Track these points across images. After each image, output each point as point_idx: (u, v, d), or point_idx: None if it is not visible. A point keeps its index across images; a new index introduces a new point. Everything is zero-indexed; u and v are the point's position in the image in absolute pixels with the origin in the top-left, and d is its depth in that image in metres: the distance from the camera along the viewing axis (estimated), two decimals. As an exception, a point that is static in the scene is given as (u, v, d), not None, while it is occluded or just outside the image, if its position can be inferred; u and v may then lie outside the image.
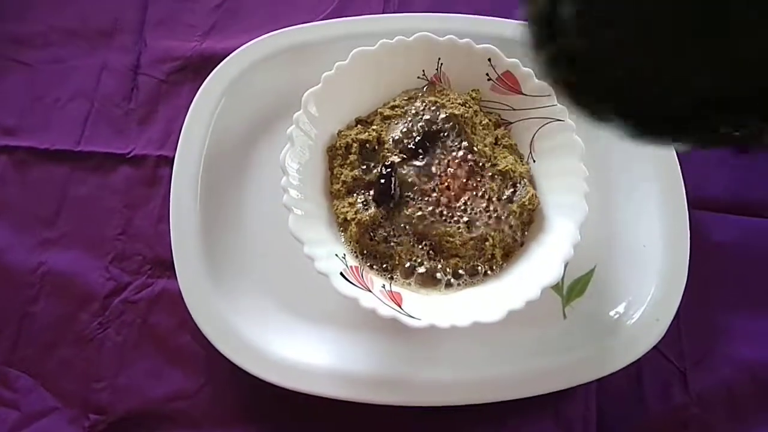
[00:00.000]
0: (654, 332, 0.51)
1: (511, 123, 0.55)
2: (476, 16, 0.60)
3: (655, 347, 0.51)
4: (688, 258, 0.53)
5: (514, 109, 0.54)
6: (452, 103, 0.53)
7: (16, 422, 0.51)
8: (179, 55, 0.63)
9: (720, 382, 0.54)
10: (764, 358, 0.54)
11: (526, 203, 0.50)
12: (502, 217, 0.50)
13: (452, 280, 0.49)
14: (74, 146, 0.60)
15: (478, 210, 0.50)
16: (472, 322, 0.44)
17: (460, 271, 0.49)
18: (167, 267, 0.55)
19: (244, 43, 0.58)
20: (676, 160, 0.56)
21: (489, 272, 0.49)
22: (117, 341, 0.54)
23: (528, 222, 0.51)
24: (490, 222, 0.49)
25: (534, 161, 0.53)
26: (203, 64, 0.61)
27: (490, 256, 0.49)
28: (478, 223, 0.49)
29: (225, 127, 0.56)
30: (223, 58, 0.57)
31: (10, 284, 0.55)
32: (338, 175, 0.51)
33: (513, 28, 0.59)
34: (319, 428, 0.52)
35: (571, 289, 0.54)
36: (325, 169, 0.52)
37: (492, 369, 0.50)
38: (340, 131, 0.53)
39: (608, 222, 0.56)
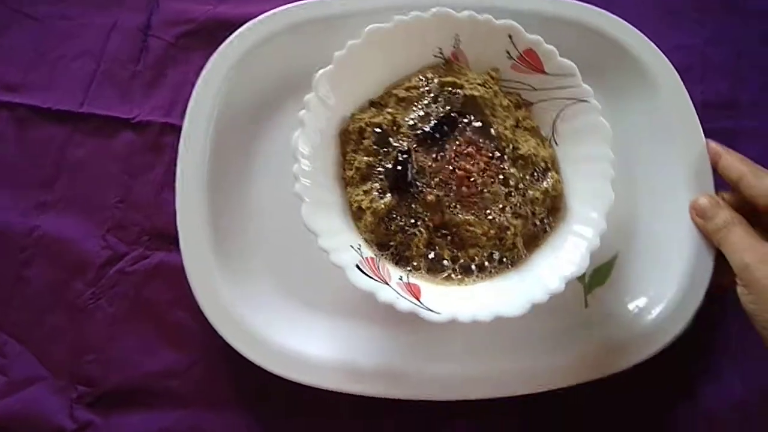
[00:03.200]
0: (669, 333, 0.49)
1: (533, 104, 0.52)
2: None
3: (663, 352, 0.49)
4: (713, 257, 0.49)
5: (535, 89, 0.51)
6: (470, 84, 0.50)
7: (2, 388, 0.50)
8: (192, 18, 0.59)
9: (730, 397, 0.52)
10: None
11: (550, 190, 0.48)
12: (525, 205, 0.48)
13: (472, 270, 0.47)
14: (77, 107, 0.57)
15: (500, 197, 0.47)
16: (495, 316, 0.42)
17: (481, 262, 0.47)
18: (166, 239, 0.53)
19: (259, 10, 0.54)
20: (704, 142, 0.53)
21: (511, 263, 0.47)
22: (109, 312, 0.52)
23: (551, 209, 0.49)
24: (512, 210, 0.47)
25: (557, 144, 0.51)
26: (216, 30, 0.57)
27: (511, 246, 0.47)
28: (499, 212, 0.47)
29: (235, 100, 0.53)
30: (238, 25, 0.54)
31: (4, 246, 0.53)
32: (351, 161, 0.48)
33: (535, 1, 0.56)
34: (311, 417, 0.50)
35: (593, 276, 0.52)
36: (337, 154, 0.50)
37: (508, 361, 0.49)
38: (353, 114, 0.50)
39: (632, 207, 0.53)
